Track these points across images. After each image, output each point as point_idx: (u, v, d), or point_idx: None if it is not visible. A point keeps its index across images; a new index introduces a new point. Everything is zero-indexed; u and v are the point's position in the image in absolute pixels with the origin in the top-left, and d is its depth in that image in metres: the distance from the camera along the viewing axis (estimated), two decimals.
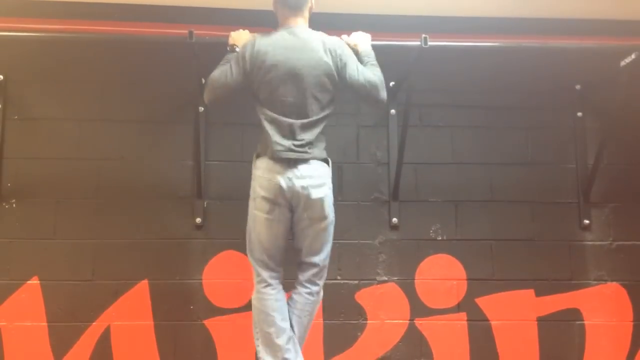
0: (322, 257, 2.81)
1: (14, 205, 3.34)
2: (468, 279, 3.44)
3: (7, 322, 3.24)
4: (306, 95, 2.71)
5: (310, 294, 2.80)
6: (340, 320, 3.36)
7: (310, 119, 2.73)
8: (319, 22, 2.90)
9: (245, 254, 3.32)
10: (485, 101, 3.60)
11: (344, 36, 2.96)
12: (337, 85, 2.78)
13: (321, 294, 2.86)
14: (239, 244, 3.34)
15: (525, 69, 3.51)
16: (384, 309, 3.39)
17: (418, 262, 3.45)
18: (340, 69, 2.76)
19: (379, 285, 3.42)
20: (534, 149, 3.59)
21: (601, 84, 3.46)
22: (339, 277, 3.38)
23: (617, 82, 3.23)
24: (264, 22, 3.04)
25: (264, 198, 2.70)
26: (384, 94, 2.82)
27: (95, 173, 3.39)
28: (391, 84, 3.50)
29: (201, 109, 3.40)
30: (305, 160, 2.71)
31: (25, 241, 3.31)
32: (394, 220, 3.46)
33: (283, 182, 2.67)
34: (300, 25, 2.80)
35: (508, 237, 3.49)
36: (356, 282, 3.41)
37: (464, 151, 3.56)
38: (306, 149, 2.71)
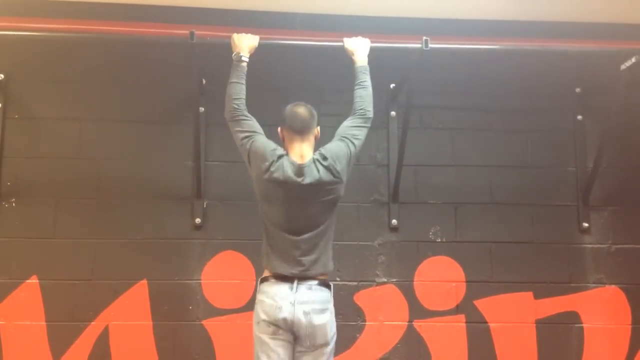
0: None
1: (14, 205, 3.34)
2: (467, 281, 3.44)
3: (5, 321, 3.23)
4: (313, 214, 2.67)
5: None
6: (339, 321, 3.31)
7: (317, 230, 2.68)
8: (320, 23, 2.91)
9: (244, 255, 3.35)
10: (486, 104, 3.60)
11: (344, 39, 2.96)
12: (342, 181, 2.72)
13: None
14: (238, 244, 3.36)
15: (525, 72, 3.52)
16: (382, 311, 3.39)
17: (417, 263, 3.45)
18: (342, 170, 2.70)
19: (378, 287, 3.42)
20: (533, 152, 3.59)
21: (601, 87, 3.47)
22: (338, 279, 3.38)
23: (617, 86, 3.23)
24: (264, 23, 3.06)
25: (266, 322, 2.63)
26: (370, 113, 2.83)
27: (95, 173, 3.39)
28: (392, 86, 3.51)
29: (201, 109, 3.41)
30: (307, 283, 2.64)
31: (24, 240, 3.31)
32: (394, 222, 3.46)
33: (286, 309, 2.60)
34: (304, 152, 2.71)
35: (507, 239, 3.49)
36: (355, 283, 3.41)
37: (464, 153, 3.56)
38: (311, 261, 2.66)
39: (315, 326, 2.62)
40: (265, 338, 2.63)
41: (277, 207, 2.67)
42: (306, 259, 2.65)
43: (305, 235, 2.66)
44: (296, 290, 2.63)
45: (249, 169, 2.75)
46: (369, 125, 2.84)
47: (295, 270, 2.64)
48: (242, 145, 2.74)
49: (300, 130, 2.71)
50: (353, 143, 2.77)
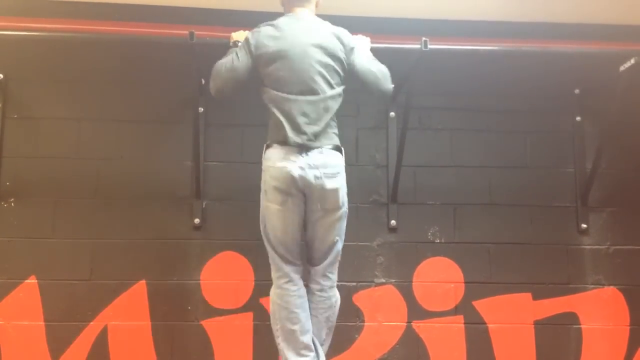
0: (335, 249, 2.75)
1: (13, 204, 3.33)
2: (466, 282, 3.44)
3: (4, 321, 3.23)
4: (314, 73, 2.68)
5: (322, 290, 2.74)
6: (338, 322, 3.34)
7: (319, 96, 2.68)
8: None
9: (243, 255, 3.35)
10: (485, 105, 3.60)
11: None
12: (345, 68, 2.76)
13: (337, 295, 2.80)
14: (238, 245, 3.36)
15: (524, 73, 3.52)
16: (381, 311, 3.39)
17: (416, 264, 3.45)
18: (348, 52, 2.76)
19: (376, 288, 3.42)
20: (532, 153, 3.59)
21: (600, 88, 3.47)
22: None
23: (616, 87, 3.23)
24: None
25: (276, 188, 2.61)
26: (390, 85, 2.83)
27: (95, 173, 3.39)
28: (391, 86, 3.51)
29: (201, 109, 3.41)
30: (317, 147, 2.64)
31: (23, 240, 3.31)
32: (393, 222, 3.46)
33: (295, 172, 2.59)
34: (305, 12, 2.80)
35: (506, 240, 3.50)
36: (354, 284, 3.41)
37: (463, 154, 3.56)
38: (317, 134, 2.66)
39: (326, 190, 2.60)
40: (274, 207, 2.61)
41: (281, 65, 2.67)
42: (312, 128, 2.64)
43: (309, 97, 2.65)
44: (307, 154, 2.61)
45: (255, 59, 2.73)
46: (383, 85, 2.83)
47: (303, 138, 2.62)
48: (241, 53, 2.75)
49: None
50: (367, 55, 2.80)
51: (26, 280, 3.27)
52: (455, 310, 3.42)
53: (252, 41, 2.75)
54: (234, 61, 2.75)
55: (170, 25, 3.33)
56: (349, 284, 3.39)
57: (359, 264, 3.42)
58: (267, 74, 2.73)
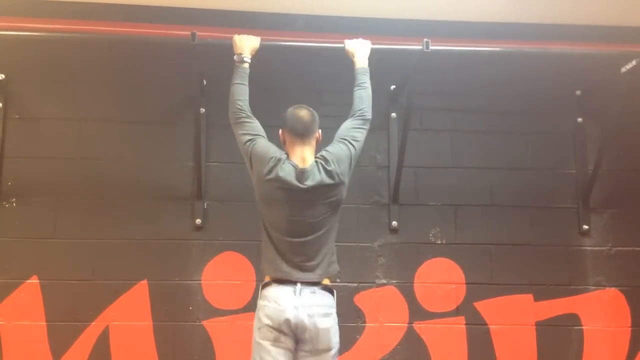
0: None
1: (14, 205, 3.34)
2: (467, 283, 3.44)
3: (5, 321, 3.23)
4: (311, 217, 2.64)
5: None
6: (339, 322, 3.34)
7: (317, 234, 2.66)
8: (322, 25, 2.91)
9: (244, 256, 3.35)
10: (486, 106, 3.60)
11: (346, 40, 2.97)
12: (344, 189, 2.72)
13: None
14: (239, 245, 3.36)
15: (525, 74, 3.52)
16: (382, 312, 3.39)
17: (417, 265, 3.45)
18: (342, 173, 2.68)
19: (378, 289, 3.42)
20: (533, 154, 3.60)
21: (601, 90, 3.47)
22: (338, 280, 3.37)
23: (618, 89, 3.23)
24: (266, 25, 3.06)
25: (269, 327, 2.59)
26: (369, 114, 2.83)
27: (96, 173, 3.39)
28: (392, 87, 3.52)
29: (202, 110, 3.41)
30: (310, 288, 2.62)
31: (24, 240, 3.31)
32: (394, 223, 3.46)
33: (289, 312, 2.57)
34: (306, 155, 2.69)
35: (507, 241, 3.50)
36: (355, 284, 3.41)
37: (464, 155, 3.56)
38: (314, 266, 2.64)
39: (319, 329, 2.59)
40: (267, 344, 2.59)
41: (278, 210, 2.65)
42: (308, 264, 2.64)
43: (307, 238, 2.64)
44: (300, 294, 2.60)
45: (250, 173, 2.74)
46: (367, 126, 2.83)
47: (298, 275, 2.62)
48: (245, 148, 2.74)
49: (302, 133, 2.69)
50: (353, 145, 2.76)
51: (28, 280, 3.27)
52: (457, 311, 3.42)
53: (252, 162, 2.70)
54: (240, 139, 2.75)
55: (171, 26, 3.34)
56: (350, 284, 3.40)
57: (360, 264, 3.43)
58: (264, 207, 2.68)
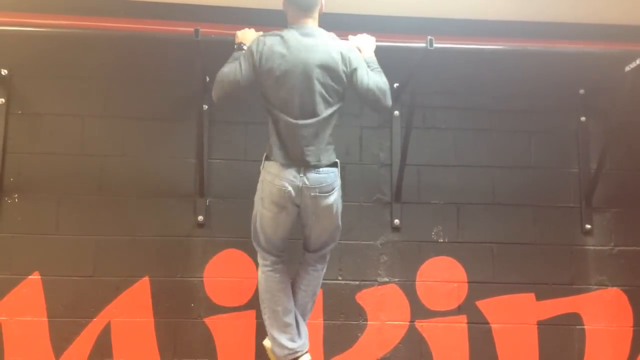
0: (330, 247, 2.92)
1: (17, 200, 3.34)
2: (469, 282, 3.44)
3: (7, 317, 3.24)
4: (315, 94, 2.71)
5: (315, 270, 2.93)
6: (341, 320, 3.36)
7: (318, 118, 2.72)
8: (326, 22, 2.89)
9: (246, 253, 3.35)
10: (489, 104, 3.60)
11: (350, 36, 2.96)
12: (345, 86, 2.79)
13: (325, 267, 2.97)
14: (241, 242, 3.36)
15: (529, 73, 3.51)
16: (384, 310, 3.39)
17: (419, 263, 3.45)
18: (351, 72, 2.76)
19: (379, 287, 3.42)
20: (537, 153, 3.59)
21: (605, 89, 3.46)
22: (339, 278, 3.38)
23: (621, 87, 3.22)
24: (271, 21, 3.04)
25: (273, 202, 2.73)
26: (389, 101, 2.84)
27: (98, 169, 3.39)
28: (395, 85, 3.50)
29: (205, 107, 3.40)
30: (315, 167, 2.72)
31: (26, 236, 3.31)
32: (396, 221, 3.46)
33: (293, 191, 2.69)
34: (310, 25, 2.79)
35: (509, 240, 3.49)
36: (357, 282, 3.41)
37: (467, 154, 3.56)
38: (315, 153, 2.72)
39: (321, 207, 2.72)
40: (269, 214, 2.74)
41: (283, 85, 2.68)
42: (310, 149, 2.70)
43: (309, 121, 2.70)
44: (304, 174, 2.69)
45: (258, 74, 2.73)
46: (385, 85, 2.81)
47: (302, 160, 2.70)
48: (241, 59, 2.76)
49: (307, 8, 2.74)
50: (368, 73, 2.78)
51: (29, 276, 3.28)
52: (459, 310, 3.41)
53: (256, 56, 2.74)
54: (237, 74, 2.75)
55: (175, 22, 3.34)
56: (352, 282, 3.40)
57: (362, 262, 3.42)
58: (269, 90, 2.74)
